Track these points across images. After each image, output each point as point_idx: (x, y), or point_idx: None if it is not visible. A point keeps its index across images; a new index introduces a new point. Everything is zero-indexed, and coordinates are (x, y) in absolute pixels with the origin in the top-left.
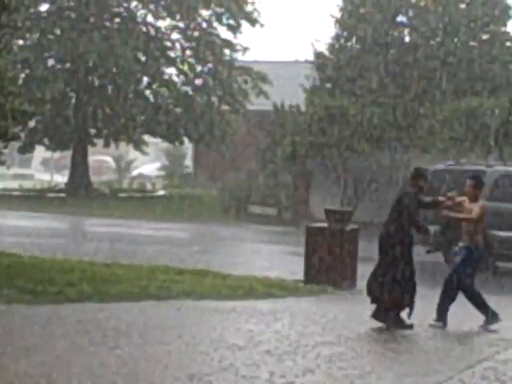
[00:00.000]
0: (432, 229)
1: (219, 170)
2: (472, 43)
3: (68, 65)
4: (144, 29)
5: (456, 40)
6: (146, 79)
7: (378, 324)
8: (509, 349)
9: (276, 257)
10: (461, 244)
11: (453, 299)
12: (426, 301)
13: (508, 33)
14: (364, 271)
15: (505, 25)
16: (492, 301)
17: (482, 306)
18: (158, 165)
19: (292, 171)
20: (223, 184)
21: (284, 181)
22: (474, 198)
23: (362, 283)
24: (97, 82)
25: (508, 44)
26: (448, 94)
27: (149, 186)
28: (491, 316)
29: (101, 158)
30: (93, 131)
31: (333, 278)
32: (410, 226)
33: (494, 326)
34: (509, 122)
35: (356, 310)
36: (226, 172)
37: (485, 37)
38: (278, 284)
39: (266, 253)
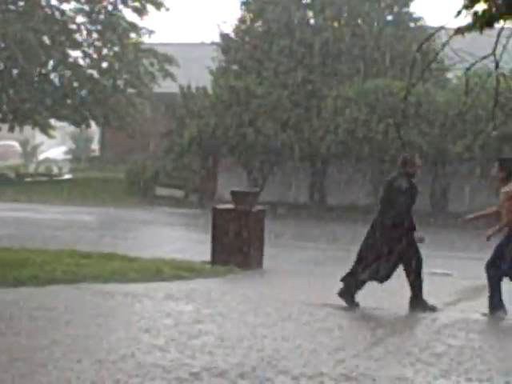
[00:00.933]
0: None
1: (126, 153)
2: (376, 24)
3: None
4: (49, 12)
5: (360, 21)
6: (51, 63)
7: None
8: (414, 326)
9: (183, 239)
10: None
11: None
12: None
13: (411, 13)
14: (270, 252)
15: (408, 6)
16: None
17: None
18: (64, 148)
19: (199, 153)
20: (130, 167)
21: (191, 163)
22: (504, 182)
23: (268, 263)
24: (1, 66)
25: (411, 25)
26: (354, 74)
27: (55, 170)
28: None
29: (6, 142)
30: None
31: (239, 258)
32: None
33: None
34: (406, 102)
35: (261, 290)
36: (133, 155)
37: (389, 17)
38: (185, 266)
39: (173, 235)
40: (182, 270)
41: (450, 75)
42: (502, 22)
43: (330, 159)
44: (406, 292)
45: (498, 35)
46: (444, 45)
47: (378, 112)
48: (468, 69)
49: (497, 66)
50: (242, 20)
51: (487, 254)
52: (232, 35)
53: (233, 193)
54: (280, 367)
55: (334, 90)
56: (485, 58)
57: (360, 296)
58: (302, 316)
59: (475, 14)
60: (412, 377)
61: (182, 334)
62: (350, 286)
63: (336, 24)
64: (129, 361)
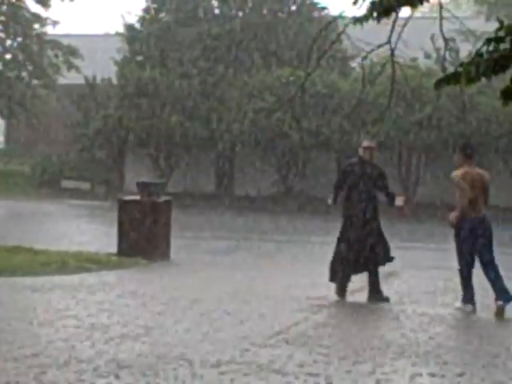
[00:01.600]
0: None
1: (32, 146)
2: (280, 14)
3: None
4: None
5: (265, 11)
6: None
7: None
8: (318, 313)
9: (90, 231)
10: None
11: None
12: None
13: (316, 3)
14: (178, 242)
15: None
16: None
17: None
18: None
19: (105, 145)
20: (36, 159)
21: (97, 155)
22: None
23: (175, 254)
24: None
25: (315, 14)
26: (259, 64)
27: None
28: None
29: None
30: None
31: (146, 250)
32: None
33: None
34: (303, 91)
35: (167, 281)
36: (38, 147)
37: (293, 7)
38: (91, 258)
39: (79, 228)
40: (88, 262)
41: (354, 64)
42: (397, 11)
43: (237, 149)
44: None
45: (393, 24)
46: (340, 34)
47: (282, 101)
48: (364, 58)
49: (392, 54)
50: (146, 10)
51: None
52: (137, 26)
53: (138, 184)
54: (185, 357)
55: (239, 80)
56: (380, 46)
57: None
58: (209, 306)
59: (372, 3)
60: (314, 364)
61: (87, 327)
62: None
63: (241, 14)
64: (29, 354)
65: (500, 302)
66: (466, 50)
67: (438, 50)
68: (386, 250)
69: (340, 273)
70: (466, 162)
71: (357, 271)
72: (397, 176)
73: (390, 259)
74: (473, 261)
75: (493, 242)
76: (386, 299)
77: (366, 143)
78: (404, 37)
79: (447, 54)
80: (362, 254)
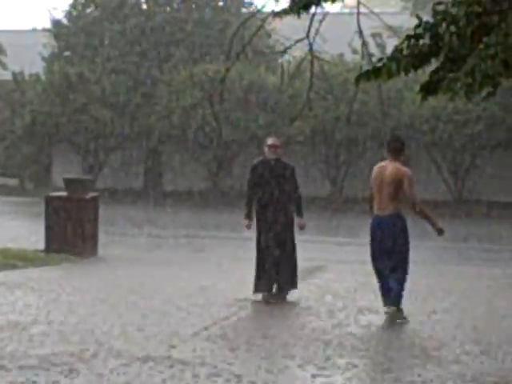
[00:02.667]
0: None
1: None
2: (207, 10)
3: None
4: None
5: (193, 6)
6: None
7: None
8: (245, 308)
9: (17, 228)
10: None
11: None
12: None
13: None
14: (106, 239)
15: None
16: None
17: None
18: None
19: (33, 141)
20: None
21: (25, 151)
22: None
23: (103, 250)
24: None
25: (243, 10)
26: (185, 60)
27: None
28: None
29: None
30: None
31: (74, 246)
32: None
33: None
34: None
35: (94, 277)
36: None
37: (220, 3)
38: (19, 255)
39: (7, 224)
40: (15, 259)
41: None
42: (316, 6)
43: (165, 145)
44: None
45: (312, 18)
46: (259, 28)
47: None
48: (283, 52)
49: (311, 49)
50: (73, 5)
51: (320, 236)
52: (64, 21)
53: (65, 180)
54: (113, 352)
55: (167, 75)
56: (299, 41)
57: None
58: (136, 302)
59: None
60: (237, 361)
61: (12, 324)
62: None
63: (168, 9)
64: None
65: (390, 308)
66: (393, 45)
67: (365, 45)
68: (293, 274)
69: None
70: (388, 156)
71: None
72: (325, 171)
73: (294, 285)
74: (376, 260)
75: (403, 248)
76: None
77: (269, 141)
78: (332, 32)
79: (376, 49)
80: (272, 266)
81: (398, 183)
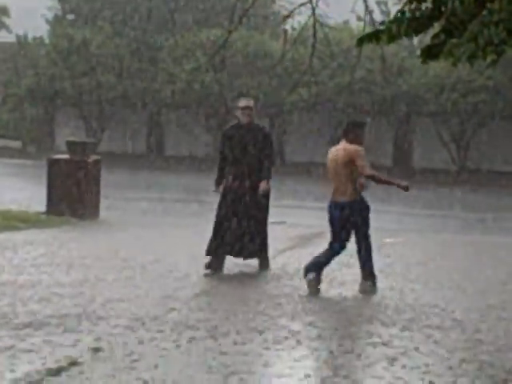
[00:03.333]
0: None
1: None
2: None
3: None
4: None
5: None
6: None
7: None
8: (244, 273)
9: (20, 190)
10: None
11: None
12: None
13: None
14: (107, 202)
15: None
16: None
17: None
18: None
19: (36, 104)
20: None
21: (28, 114)
22: None
23: (104, 214)
24: None
25: None
26: (189, 25)
27: None
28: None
29: None
30: None
31: (75, 208)
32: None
33: None
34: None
35: (95, 240)
36: None
37: None
38: (20, 216)
39: (9, 186)
40: (16, 221)
41: (288, 27)
42: None
43: (168, 110)
44: None
45: None
46: None
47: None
48: (286, 17)
49: (314, 14)
50: None
51: (319, 203)
52: None
53: (68, 143)
54: (116, 313)
55: (170, 40)
56: (302, 5)
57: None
58: (136, 266)
59: None
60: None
61: (15, 284)
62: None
63: None
64: None
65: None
66: None
67: (369, 11)
68: (261, 247)
69: (216, 249)
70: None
71: (232, 253)
72: (328, 137)
73: (263, 260)
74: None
75: (362, 228)
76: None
77: (242, 103)
78: None
79: (380, 16)
80: (238, 237)
81: (349, 163)
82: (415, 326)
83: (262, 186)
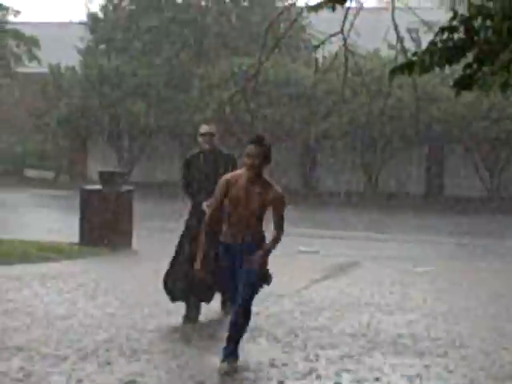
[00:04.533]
0: None
1: None
2: (244, 3)
3: None
4: None
5: (228, 0)
6: None
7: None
8: (279, 303)
9: (53, 221)
10: None
11: None
12: None
13: None
14: (140, 233)
15: None
16: None
17: None
18: None
19: (68, 134)
20: None
21: (60, 144)
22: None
23: (137, 244)
24: None
25: (279, 4)
26: (221, 54)
27: None
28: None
29: None
30: None
31: (107, 239)
32: None
33: None
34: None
35: (127, 270)
36: (1, 136)
37: None
38: (53, 247)
39: (42, 217)
40: (50, 252)
41: (319, 55)
42: (351, 0)
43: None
44: None
45: (346, 13)
46: (293, 22)
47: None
48: (317, 46)
49: (345, 44)
50: None
51: (350, 232)
52: (100, 14)
53: (100, 173)
54: (149, 346)
55: (202, 69)
56: (333, 35)
57: None
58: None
59: None
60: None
61: (48, 316)
62: None
63: (203, 3)
64: None
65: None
66: (428, 40)
67: (401, 40)
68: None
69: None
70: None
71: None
72: (360, 166)
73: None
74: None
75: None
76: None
77: (203, 129)
78: (367, 27)
79: (411, 44)
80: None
81: None
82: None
83: None
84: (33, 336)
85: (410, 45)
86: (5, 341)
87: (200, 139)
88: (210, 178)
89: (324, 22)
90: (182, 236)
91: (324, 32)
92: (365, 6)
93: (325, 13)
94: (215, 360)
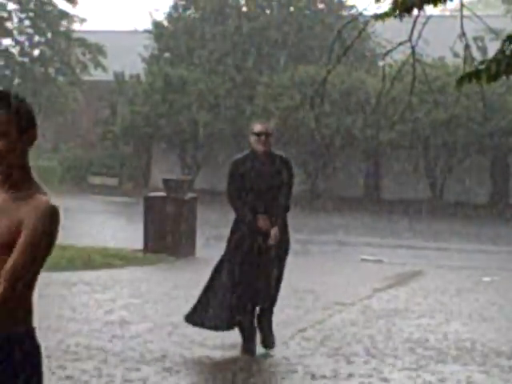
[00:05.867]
0: None
1: (61, 142)
2: (307, 12)
3: None
4: None
5: (292, 9)
6: None
7: None
8: (342, 312)
9: (116, 227)
10: None
11: None
12: None
13: (343, 2)
14: (203, 240)
15: None
16: None
17: None
18: None
19: (132, 141)
20: (63, 155)
21: (124, 151)
22: None
23: (201, 252)
24: None
25: (344, 13)
26: (286, 62)
27: None
28: None
29: None
30: None
31: (171, 246)
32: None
33: None
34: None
35: (191, 278)
36: (67, 143)
37: (320, 6)
38: (117, 254)
39: (106, 224)
40: (114, 259)
41: (382, 63)
42: (419, 9)
43: None
44: None
45: (414, 21)
46: (361, 31)
47: (309, 100)
48: (385, 54)
49: (413, 52)
50: (174, 7)
51: (414, 240)
52: (164, 23)
53: (165, 181)
54: (201, 357)
55: (266, 77)
56: (401, 44)
57: None
58: None
59: (394, 1)
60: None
61: (114, 323)
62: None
63: (268, 11)
64: (57, 347)
65: None
66: (495, 49)
67: (467, 48)
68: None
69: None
70: None
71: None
72: (425, 175)
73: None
74: None
75: None
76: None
77: (257, 127)
78: (433, 36)
79: (477, 53)
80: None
81: None
82: None
83: (273, 233)
84: (101, 342)
85: (476, 53)
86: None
87: (253, 139)
88: (261, 185)
89: (389, 30)
90: (229, 254)
91: (389, 40)
92: (432, 13)
93: (390, 21)
94: None
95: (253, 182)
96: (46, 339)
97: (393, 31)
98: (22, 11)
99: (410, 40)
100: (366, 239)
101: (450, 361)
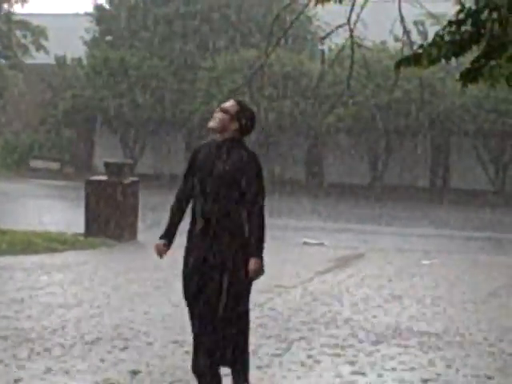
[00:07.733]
0: None
1: (2, 125)
2: None
3: None
4: None
5: None
6: None
7: None
8: (282, 294)
9: (58, 211)
10: None
11: None
12: None
13: None
14: (145, 224)
15: None
16: None
17: None
18: None
19: (74, 125)
20: (4, 139)
21: (66, 135)
22: None
23: (142, 235)
24: None
25: None
26: (227, 46)
27: None
28: None
29: None
30: None
31: (113, 230)
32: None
33: None
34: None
35: (132, 261)
36: (7, 127)
37: None
38: (58, 238)
39: (47, 207)
40: (55, 242)
41: (325, 47)
42: None
43: (205, 130)
44: None
45: (353, 4)
46: (299, 14)
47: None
48: (323, 38)
49: (351, 36)
50: None
51: (355, 224)
52: (106, 6)
53: (106, 164)
54: (154, 336)
55: (209, 61)
56: (339, 27)
57: None
58: (169, 287)
59: None
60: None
61: (53, 306)
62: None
63: None
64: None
65: None
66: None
67: (407, 33)
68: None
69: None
70: None
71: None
72: (365, 159)
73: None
74: None
75: None
76: None
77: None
78: (374, 20)
79: (418, 37)
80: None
81: None
82: None
83: (255, 266)
84: (40, 324)
85: (416, 37)
86: (17, 328)
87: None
88: (215, 180)
89: (330, 14)
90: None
91: (331, 24)
92: None
93: (330, 4)
94: None
95: (205, 174)
96: None
97: (334, 15)
98: None
99: (348, 23)
100: (308, 223)
101: (388, 342)
